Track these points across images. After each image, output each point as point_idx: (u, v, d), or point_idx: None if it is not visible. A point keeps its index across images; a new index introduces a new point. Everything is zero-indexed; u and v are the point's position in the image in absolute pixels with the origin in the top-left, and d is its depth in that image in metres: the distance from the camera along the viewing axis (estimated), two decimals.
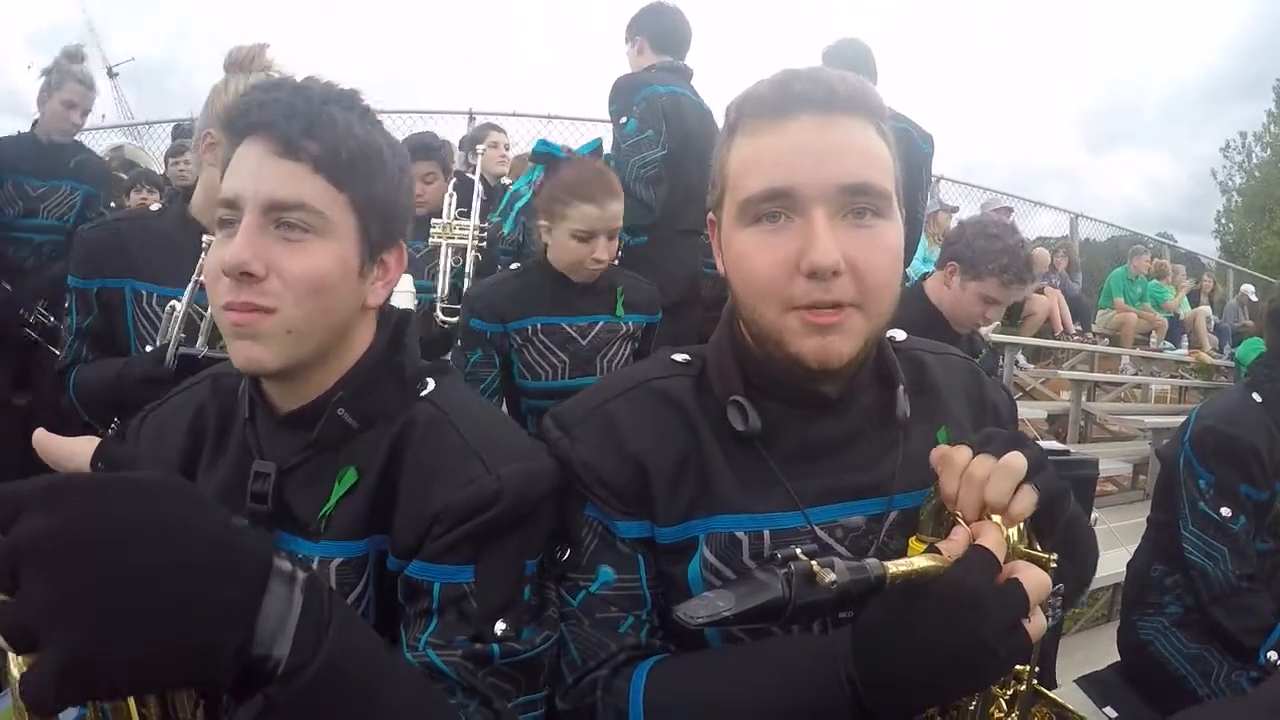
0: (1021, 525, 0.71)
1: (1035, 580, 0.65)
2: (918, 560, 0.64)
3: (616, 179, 1.87)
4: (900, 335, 0.92)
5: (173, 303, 1.37)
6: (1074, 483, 0.81)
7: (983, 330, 2.39)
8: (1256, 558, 1.60)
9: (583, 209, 1.77)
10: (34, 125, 2.97)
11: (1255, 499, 1.60)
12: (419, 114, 6.63)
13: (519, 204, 1.89)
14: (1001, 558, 0.66)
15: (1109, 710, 1.70)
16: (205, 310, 1.33)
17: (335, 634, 0.51)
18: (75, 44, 2.99)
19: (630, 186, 2.34)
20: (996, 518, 0.69)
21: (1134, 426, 5.82)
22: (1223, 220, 26.19)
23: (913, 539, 0.77)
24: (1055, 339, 6.64)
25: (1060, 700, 0.76)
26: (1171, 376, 7.87)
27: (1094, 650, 2.43)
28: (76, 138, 3.09)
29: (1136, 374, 7.54)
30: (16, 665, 0.46)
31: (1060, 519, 0.76)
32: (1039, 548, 0.72)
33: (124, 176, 4.49)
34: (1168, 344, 7.96)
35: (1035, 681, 0.74)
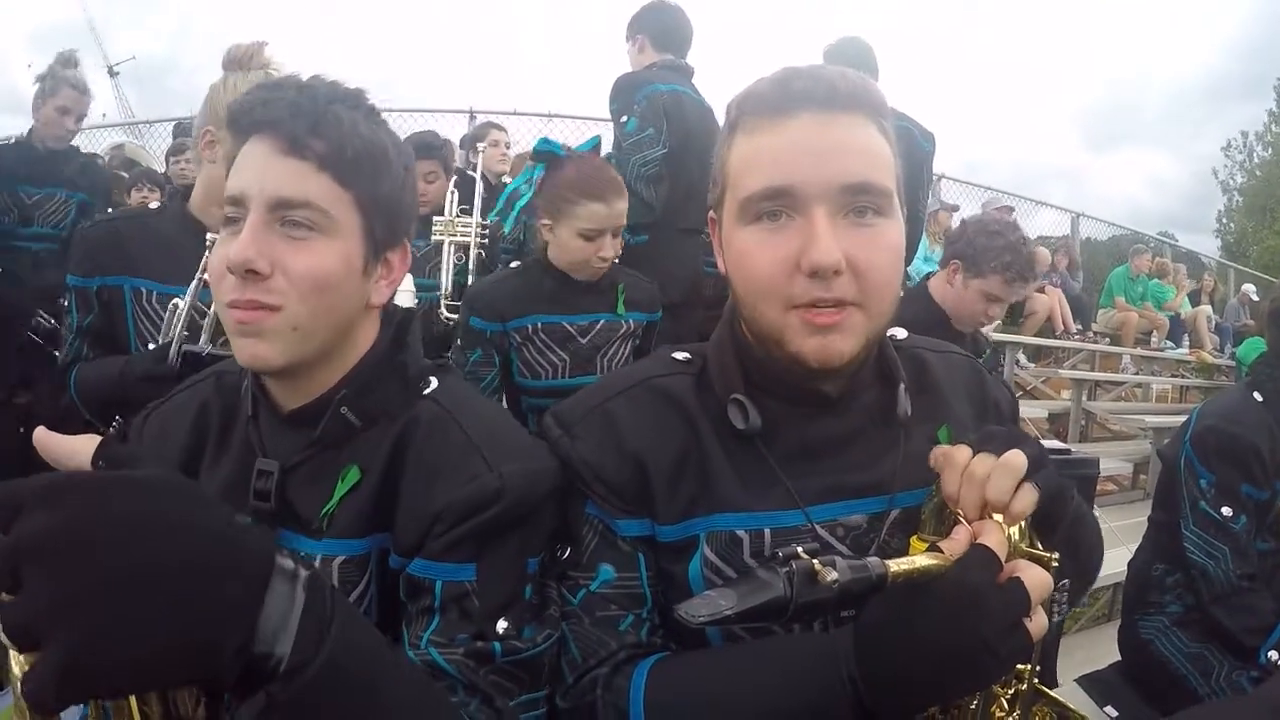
0: (1023, 524, 0.71)
1: (1036, 579, 0.65)
2: (919, 559, 0.64)
3: (620, 176, 1.87)
4: (901, 333, 0.92)
5: (175, 300, 1.36)
6: (1075, 482, 0.81)
7: (984, 329, 2.38)
8: (1257, 557, 1.60)
9: (590, 207, 1.76)
10: (30, 132, 2.96)
11: (1256, 498, 1.60)
12: (420, 112, 6.63)
13: (520, 203, 1.88)
14: (1003, 556, 0.66)
15: (1110, 709, 1.70)
16: (207, 308, 1.33)
17: (337, 632, 0.51)
18: (69, 49, 2.99)
19: (631, 185, 2.34)
20: (998, 516, 0.69)
21: (1135, 426, 5.81)
22: (1224, 220, 26.19)
23: (914, 538, 0.77)
24: (1056, 338, 6.64)
25: (1061, 699, 0.76)
26: (1172, 376, 7.87)
27: (1095, 649, 2.43)
28: (78, 137, 3.09)
29: (1137, 373, 7.53)
30: (18, 663, 0.46)
31: (1063, 516, 0.76)
32: (1040, 546, 0.72)
33: (125, 175, 4.49)
34: (1169, 343, 7.95)
35: (1036, 681, 0.74)
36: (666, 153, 2.48)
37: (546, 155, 1.88)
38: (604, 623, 0.79)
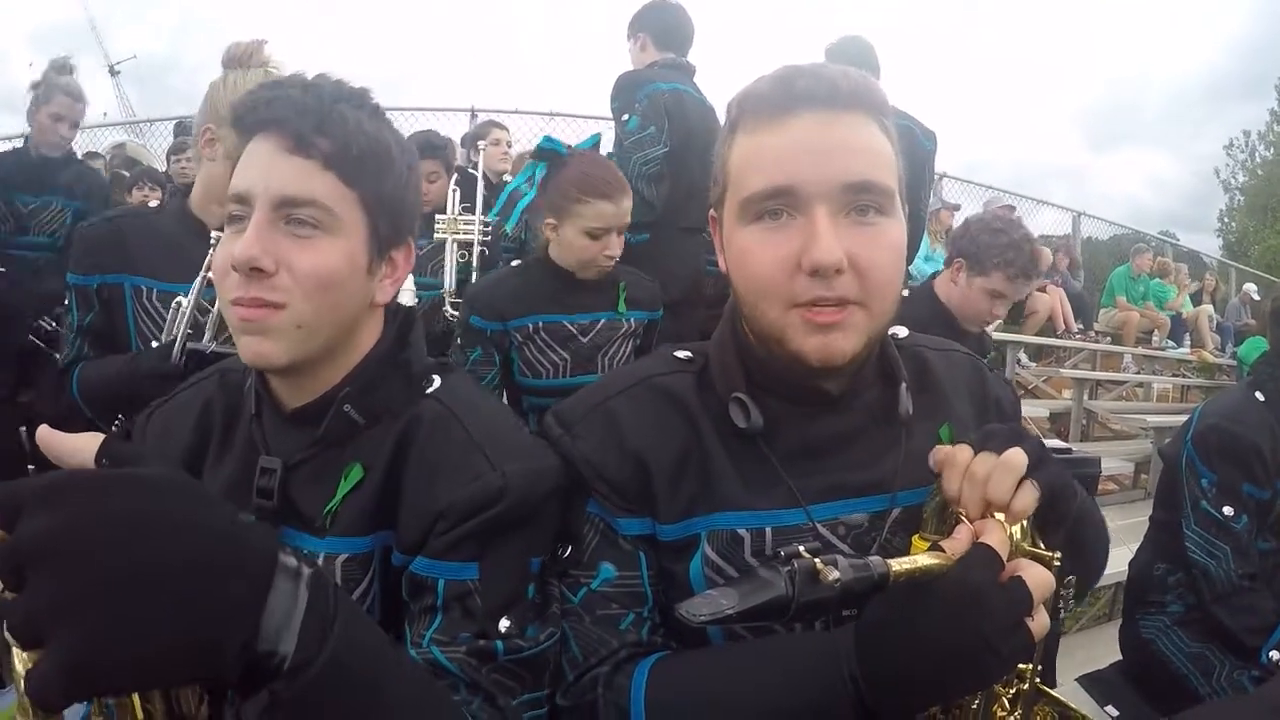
0: (1025, 523, 0.71)
1: (1038, 579, 0.65)
2: (921, 558, 0.64)
3: (623, 174, 1.86)
4: (903, 332, 0.92)
5: (179, 298, 1.37)
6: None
7: (987, 328, 2.37)
8: (1258, 557, 1.60)
9: (598, 206, 1.75)
10: (26, 140, 2.96)
11: (1257, 498, 1.60)
12: (421, 111, 6.63)
13: (522, 202, 1.86)
14: (1005, 556, 0.66)
15: (1110, 709, 1.69)
16: (211, 306, 1.33)
17: (340, 630, 0.51)
18: (64, 55, 2.99)
19: (632, 183, 2.33)
20: (1000, 515, 0.69)
21: (1136, 425, 5.81)
22: (1225, 219, 26.15)
23: (916, 537, 0.77)
24: (1057, 337, 6.63)
25: (1062, 699, 0.76)
26: (1174, 375, 7.85)
27: (1095, 649, 2.43)
28: (80, 136, 3.08)
29: (1139, 373, 7.52)
30: (22, 661, 0.46)
31: (1066, 512, 0.76)
32: (1042, 545, 0.71)
33: (126, 174, 4.49)
34: (1170, 343, 7.94)
35: (1038, 680, 0.74)
36: (668, 151, 2.48)
37: (549, 154, 1.87)
38: (605, 621, 0.79)
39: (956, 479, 0.72)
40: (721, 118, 0.85)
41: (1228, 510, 1.59)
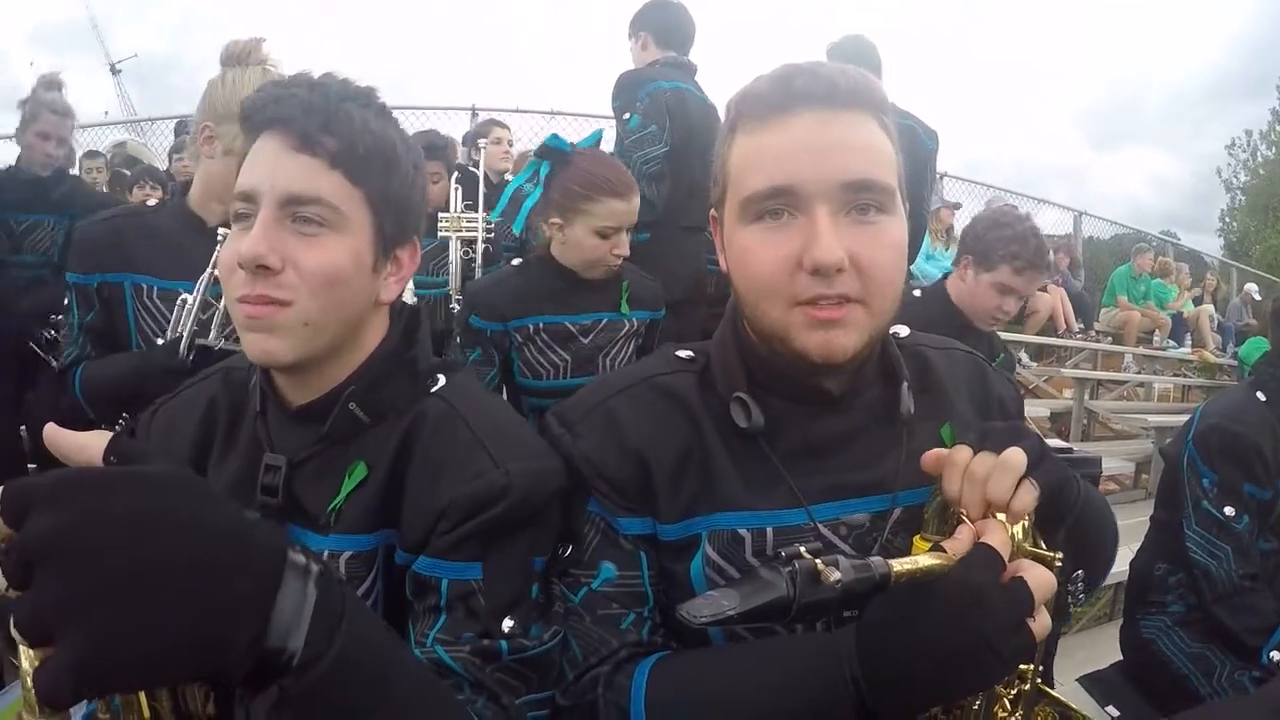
0: (1026, 523, 0.71)
1: (1040, 579, 0.65)
2: (922, 559, 0.64)
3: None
4: (904, 331, 0.92)
5: (184, 295, 1.37)
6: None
7: (993, 328, 2.35)
8: (1260, 557, 1.60)
9: (609, 204, 1.72)
10: (18, 159, 2.96)
11: (1259, 498, 1.60)
12: (422, 110, 6.64)
13: (528, 202, 1.84)
14: (1006, 556, 0.66)
15: (1111, 709, 1.69)
16: (216, 302, 1.34)
17: (348, 626, 0.51)
18: (51, 71, 2.99)
19: None
20: (1001, 515, 0.69)
21: (1137, 425, 5.81)
22: (1227, 219, 26.13)
23: (917, 537, 0.77)
24: (1058, 337, 6.63)
25: (1063, 699, 0.75)
26: (1175, 375, 7.85)
27: (1096, 649, 2.43)
28: (82, 135, 3.09)
29: (1139, 372, 7.52)
30: (28, 659, 0.46)
31: (1068, 509, 0.76)
32: (1044, 545, 0.71)
33: (127, 173, 4.49)
34: (1171, 342, 7.94)
35: (1039, 680, 0.74)
36: (668, 150, 2.47)
37: (553, 152, 1.83)
38: (605, 621, 0.79)
39: (956, 479, 0.72)
40: (722, 116, 0.85)
41: (1229, 510, 1.59)
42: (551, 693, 0.78)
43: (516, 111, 6.47)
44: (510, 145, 4.04)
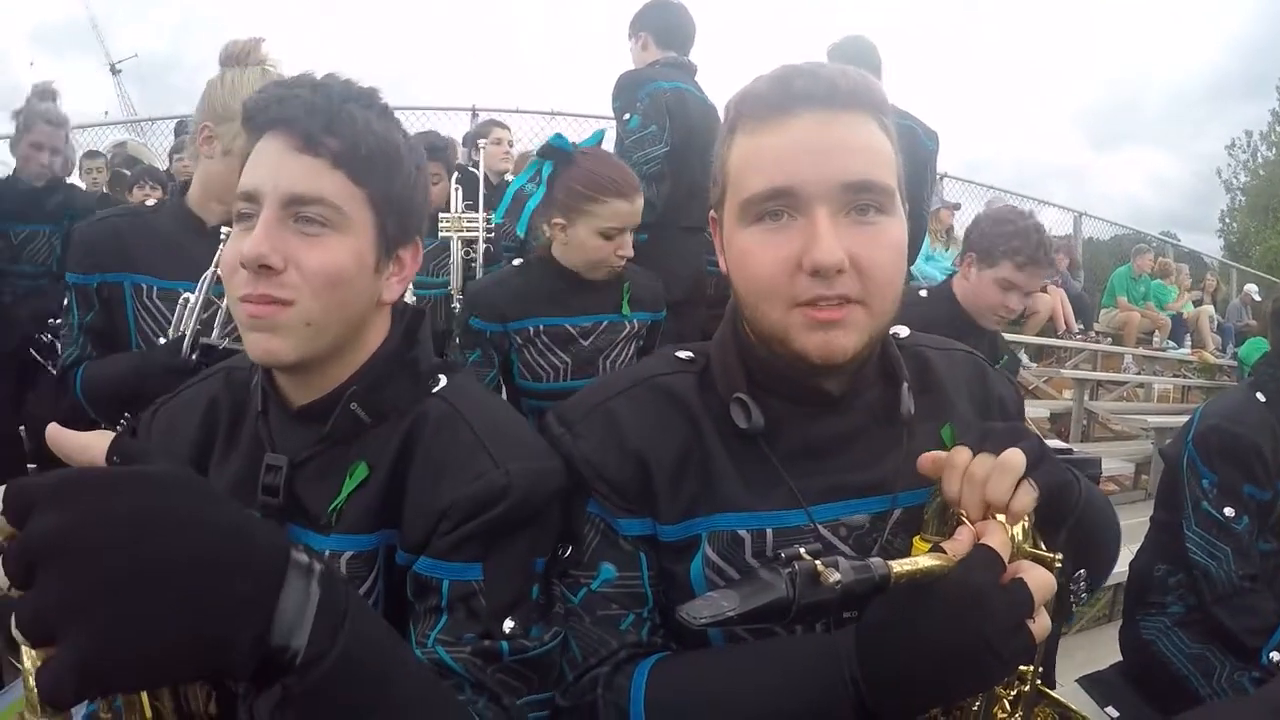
0: (1026, 524, 0.71)
1: (1040, 580, 0.65)
2: (922, 560, 0.64)
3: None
4: (904, 332, 0.92)
5: (185, 295, 1.37)
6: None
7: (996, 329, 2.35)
8: (1259, 558, 1.60)
9: (614, 205, 1.70)
10: (15, 169, 2.98)
11: (1258, 499, 1.60)
12: (422, 110, 6.63)
13: (531, 202, 1.82)
14: (1006, 557, 0.66)
15: (1111, 710, 1.69)
16: (217, 300, 1.34)
17: (351, 625, 0.51)
18: (45, 81, 3.01)
19: None
20: (1001, 517, 0.69)
21: (1136, 426, 5.80)
22: (1226, 219, 26.14)
23: (917, 538, 0.77)
24: (1058, 338, 6.63)
25: (1063, 700, 0.76)
26: (1174, 376, 7.85)
27: (1096, 650, 2.43)
28: (82, 135, 3.09)
29: (1139, 373, 7.52)
30: (30, 659, 0.46)
31: (1067, 510, 0.76)
32: (1044, 547, 0.71)
33: (127, 173, 4.49)
34: (1171, 343, 7.94)
35: (1038, 681, 0.74)
36: (668, 150, 2.47)
37: (556, 152, 1.80)
38: (605, 622, 0.79)
39: (956, 480, 0.72)
40: (722, 117, 0.85)
41: (1229, 511, 1.59)
42: (552, 693, 0.78)
43: (516, 112, 6.48)
44: (510, 146, 4.04)
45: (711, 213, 0.86)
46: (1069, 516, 0.76)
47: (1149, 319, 7.66)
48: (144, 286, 1.45)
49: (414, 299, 2.23)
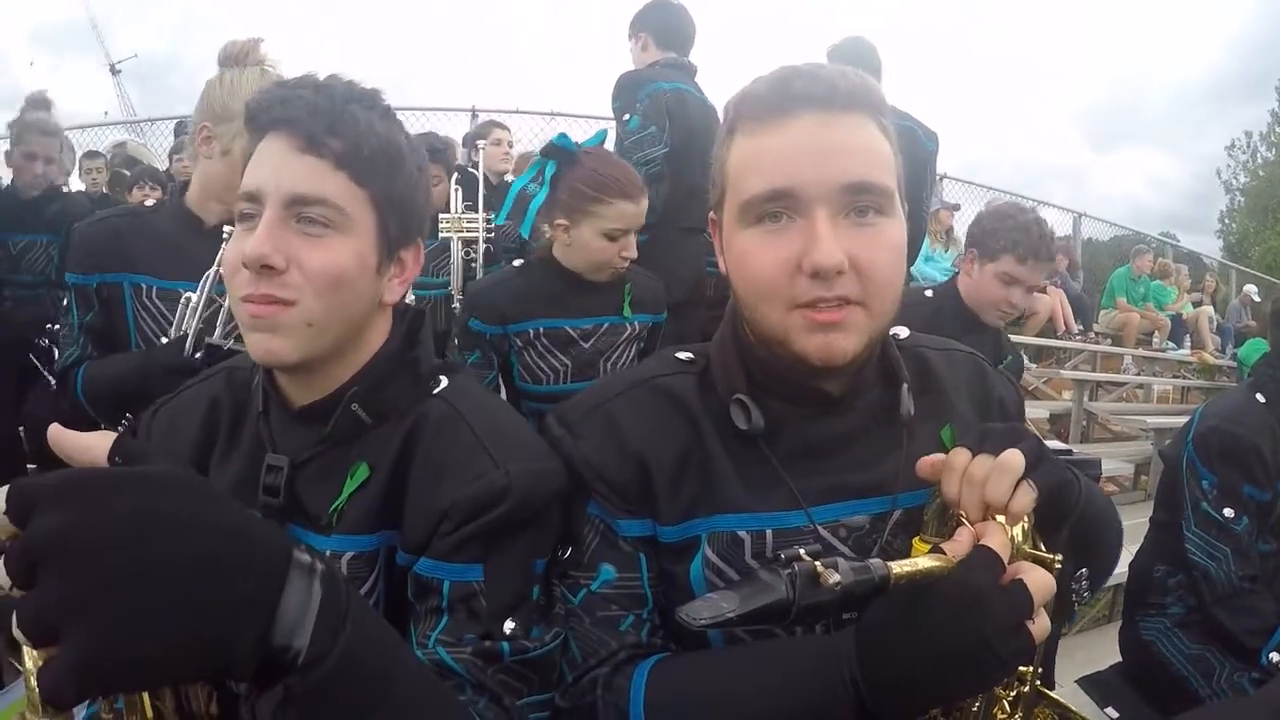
0: (1025, 525, 0.71)
1: (1039, 581, 0.65)
2: (922, 561, 0.64)
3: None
4: (904, 332, 0.92)
5: (188, 295, 1.37)
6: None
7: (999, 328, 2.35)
8: (1259, 559, 1.60)
9: (619, 206, 1.69)
10: (11, 180, 3.01)
11: (1258, 500, 1.60)
12: (422, 111, 6.63)
13: (535, 203, 1.81)
14: (1006, 558, 0.66)
15: (1110, 711, 1.69)
16: (219, 299, 1.34)
17: (353, 625, 0.51)
18: (39, 90, 3.04)
19: None
20: (1000, 518, 0.69)
21: (1136, 426, 5.81)
22: (1226, 220, 26.16)
23: (916, 539, 0.77)
24: (1058, 338, 6.63)
25: (1062, 701, 0.76)
26: (1174, 377, 7.86)
27: (1095, 651, 2.43)
28: (82, 135, 3.10)
29: (1139, 374, 7.53)
30: (31, 659, 0.47)
31: (1067, 510, 0.76)
32: (1044, 547, 0.71)
33: (126, 173, 4.49)
34: (1170, 344, 7.95)
35: (1038, 682, 0.74)
36: (668, 151, 2.48)
37: (560, 152, 1.78)
38: (604, 623, 0.79)
39: (955, 482, 0.72)
40: (721, 118, 0.85)
41: (1228, 512, 1.59)
42: (552, 694, 0.78)
43: (516, 113, 6.47)
44: (510, 146, 4.05)
45: (711, 214, 0.86)
46: (1069, 516, 0.76)
47: (1148, 320, 7.66)
48: (143, 286, 1.45)
49: (413, 299, 2.23)
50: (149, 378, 1.31)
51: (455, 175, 3.04)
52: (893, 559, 0.62)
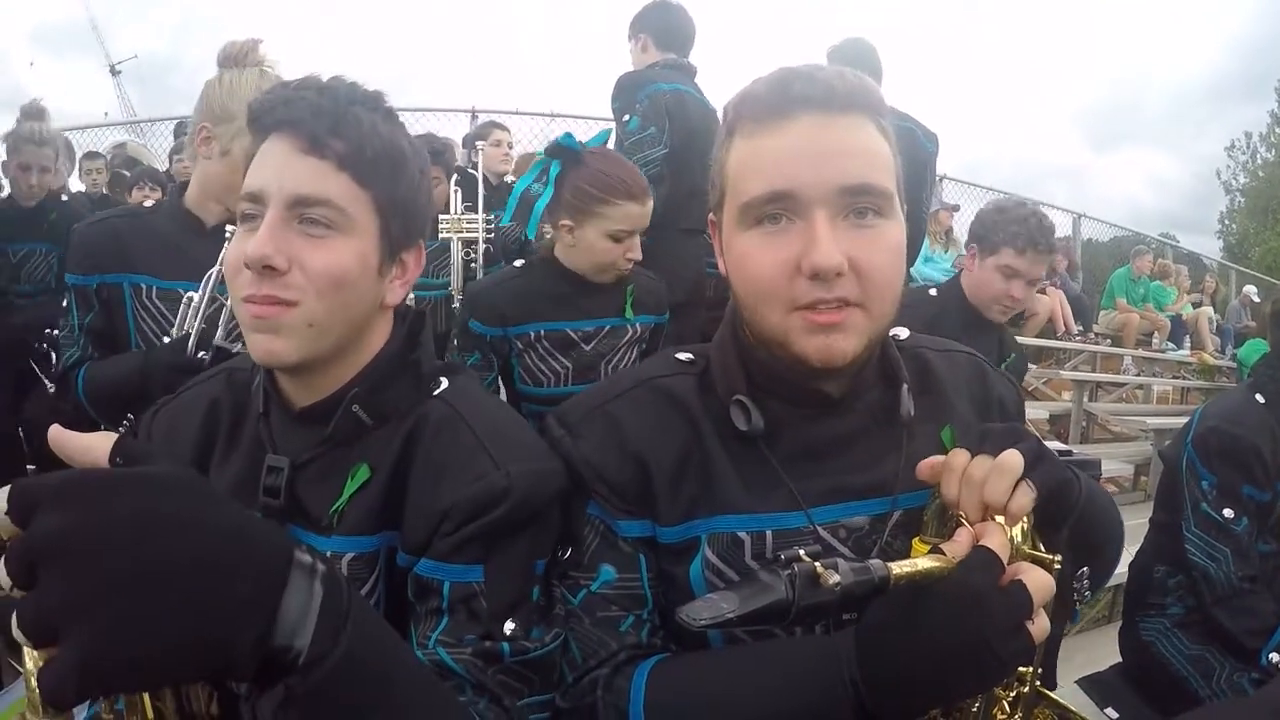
0: (1025, 525, 0.71)
1: (1039, 582, 0.65)
2: (921, 561, 0.64)
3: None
4: (904, 333, 0.92)
5: (188, 295, 1.37)
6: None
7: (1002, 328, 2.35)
8: (1259, 559, 1.60)
9: (625, 207, 1.68)
10: (9, 191, 3.02)
11: (1257, 500, 1.60)
12: (422, 111, 6.63)
13: (539, 203, 1.79)
14: (1005, 559, 0.66)
15: (1110, 711, 1.69)
16: (220, 298, 1.34)
17: (354, 625, 0.51)
18: (33, 99, 3.05)
19: None
20: (1000, 518, 0.69)
21: (1136, 427, 5.81)
22: (1226, 220, 26.18)
23: (916, 540, 0.77)
24: (1057, 339, 6.63)
25: (1062, 701, 0.76)
26: (1174, 377, 7.86)
27: (1095, 651, 2.43)
28: (82, 135, 3.11)
29: (1138, 374, 7.53)
30: (32, 659, 0.47)
31: (1066, 510, 0.76)
32: (1043, 548, 0.72)
33: (126, 174, 4.50)
34: (1170, 345, 7.95)
35: (1038, 683, 0.74)
36: (668, 152, 2.48)
37: (565, 152, 1.75)
38: (604, 623, 0.79)
39: (955, 482, 0.72)
40: (721, 119, 0.85)
41: (1228, 512, 1.59)
42: (553, 695, 0.78)
43: (516, 113, 6.48)
44: (510, 147, 4.05)
45: (710, 215, 0.86)
46: (1069, 516, 0.76)
47: (1148, 320, 7.67)
48: (143, 287, 1.45)
49: (413, 300, 2.23)
50: (150, 378, 1.32)
51: (455, 176, 3.04)
52: (892, 560, 0.62)
